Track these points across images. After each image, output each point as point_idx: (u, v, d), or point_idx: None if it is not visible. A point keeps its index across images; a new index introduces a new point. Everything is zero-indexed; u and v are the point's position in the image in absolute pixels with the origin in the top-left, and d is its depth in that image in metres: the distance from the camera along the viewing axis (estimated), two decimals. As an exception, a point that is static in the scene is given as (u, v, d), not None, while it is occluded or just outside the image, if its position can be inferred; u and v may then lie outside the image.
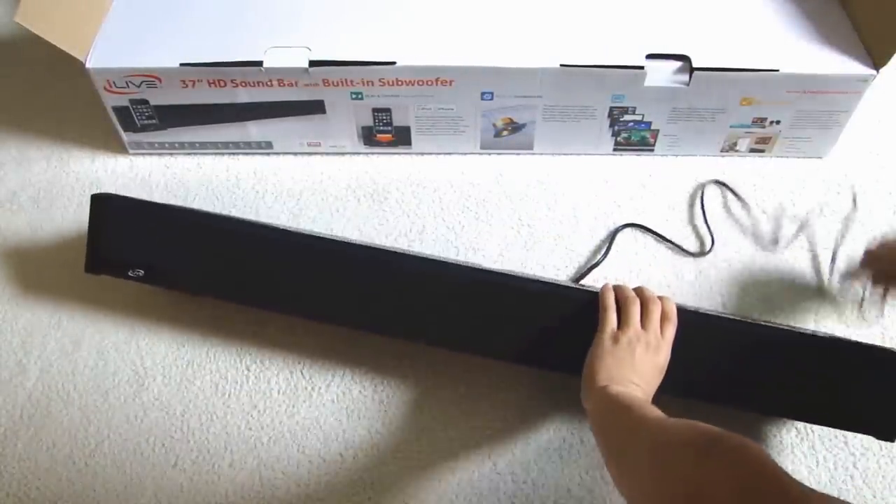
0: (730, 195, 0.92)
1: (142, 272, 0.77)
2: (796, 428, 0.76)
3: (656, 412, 0.58)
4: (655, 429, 0.55)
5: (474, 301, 0.74)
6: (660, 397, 0.65)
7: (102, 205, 0.79)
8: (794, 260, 0.86)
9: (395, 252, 0.79)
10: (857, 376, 0.70)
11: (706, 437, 0.50)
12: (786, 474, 0.45)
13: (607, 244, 0.88)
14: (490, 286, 0.74)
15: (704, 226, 0.89)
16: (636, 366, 0.66)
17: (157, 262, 0.77)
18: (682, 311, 0.71)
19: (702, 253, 0.87)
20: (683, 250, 0.88)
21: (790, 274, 0.85)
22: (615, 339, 0.67)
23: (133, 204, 0.80)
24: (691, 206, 0.91)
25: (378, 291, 0.75)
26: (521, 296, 0.73)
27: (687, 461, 0.49)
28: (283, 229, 0.80)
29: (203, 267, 0.77)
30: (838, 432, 0.76)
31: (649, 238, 0.89)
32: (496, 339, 0.73)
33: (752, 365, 0.71)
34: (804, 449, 0.75)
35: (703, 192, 0.92)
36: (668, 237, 0.88)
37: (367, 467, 0.76)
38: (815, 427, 0.76)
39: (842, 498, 0.72)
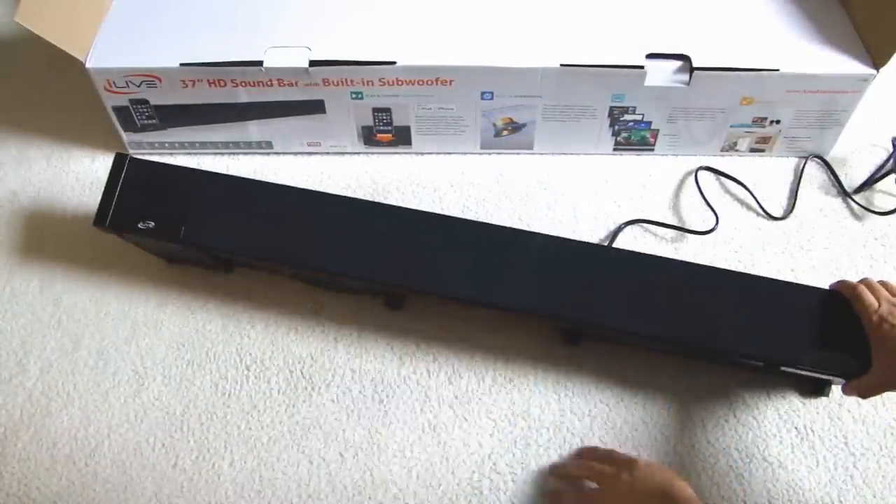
0: (723, 178, 0.93)
1: (152, 224, 0.77)
2: (796, 428, 0.77)
3: None
4: None
5: (484, 252, 0.75)
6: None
7: (121, 163, 0.80)
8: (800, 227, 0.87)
9: (406, 208, 0.80)
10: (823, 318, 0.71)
11: None
12: None
13: (609, 242, 0.88)
14: (498, 238, 0.76)
15: (706, 210, 0.90)
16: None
17: (169, 215, 0.77)
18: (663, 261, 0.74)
19: (707, 231, 0.88)
20: (688, 230, 0.88)
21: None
22: None
23: (151, 165, 0.80)
24: (689, 194, 0.91)
25: (390, 244, 0.76)
26: (526, 247, 0.75)
27: None
28: (297, 189, 0.80)
29: (216, 221, 0.78)
30: (838, 432, 0.76)
31: (650, 235, 0.89)
32: (512, 289, 0.74)
33: (724, 311, 0.72)
34: (804, 449, 0.75)
35: (696, 177, 0.92)
36: (671, 224, 0.89)
37: (367, 467, 0.76)
38: (816, 427, 0.76)
39: (841, 498, 0.73)
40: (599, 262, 0.75)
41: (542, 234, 0.75)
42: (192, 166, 0.96)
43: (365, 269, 0.75)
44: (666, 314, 0.72)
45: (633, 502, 0.66)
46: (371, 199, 0.92)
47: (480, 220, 0.90)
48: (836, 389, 0.78)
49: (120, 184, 0.78)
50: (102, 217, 0.78)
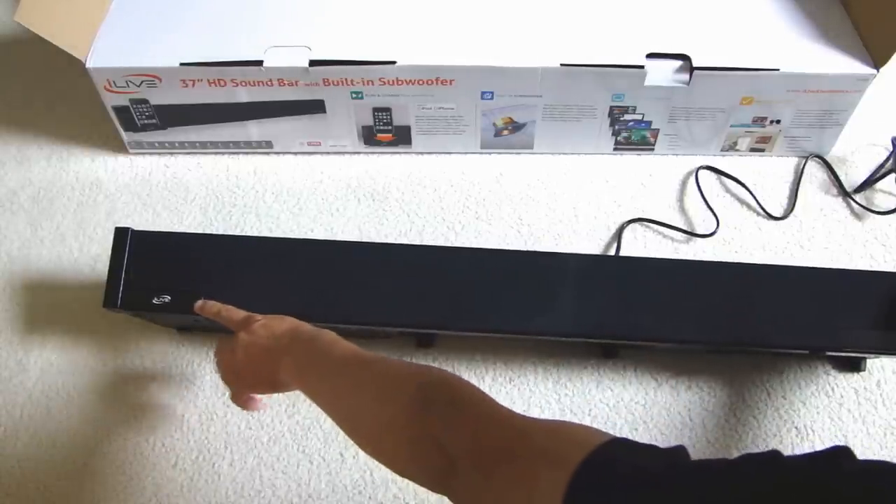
0: (723, 178, 0.93)
1: (168, 298, 0.72)
2: (796, 428, 0.77)
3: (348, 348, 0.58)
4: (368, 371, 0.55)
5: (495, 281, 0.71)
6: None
7: (123, 238, 0.74)
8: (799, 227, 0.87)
9: (423, 246, 0.79)
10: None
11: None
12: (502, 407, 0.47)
13: (616, 242, 0.88)
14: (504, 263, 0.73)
15: (706, 210, 0.90)
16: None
17: (184, 286, 0.72)
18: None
19: (709, 234, 0.88)
20: (690, 233, 0.88)
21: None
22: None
23: (154, 235, 0.75)
24: (689, 194, 0.91)
25: (414, 285, 0.72)
26: (553, 269, 0.72)
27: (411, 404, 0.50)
28: (307, 240, 0.79)
29: (234, 286, 0.72)
30: (838, 432, 0.76)
31: (651, 236, 0.89)
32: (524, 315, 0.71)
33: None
34: (804, 449, 0.75)
35: (696, 176, 0.92)
36: (673, 224, 0.89)
37: (367, 467, 0.76)
38: (816, 427, 0.76)
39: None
40: (636, 273, 0.72)
41: (568, 255, 0.74)
42: (192, 167, 0.96)
43: (395, 316, 0.71)
44: (726, 320, 0.70)
45: (266, 353, 0.62)
46: (371, 203, 0.93)
47: (480, 220, 0.91)
48: (869, 365, 0.79)
49: (125, 259, 0.72)
50: (112, 298, 0.72)
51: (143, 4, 0.92)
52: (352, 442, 0.77)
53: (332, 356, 0.58)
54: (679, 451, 0.39)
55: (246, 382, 0.65)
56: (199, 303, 0.69)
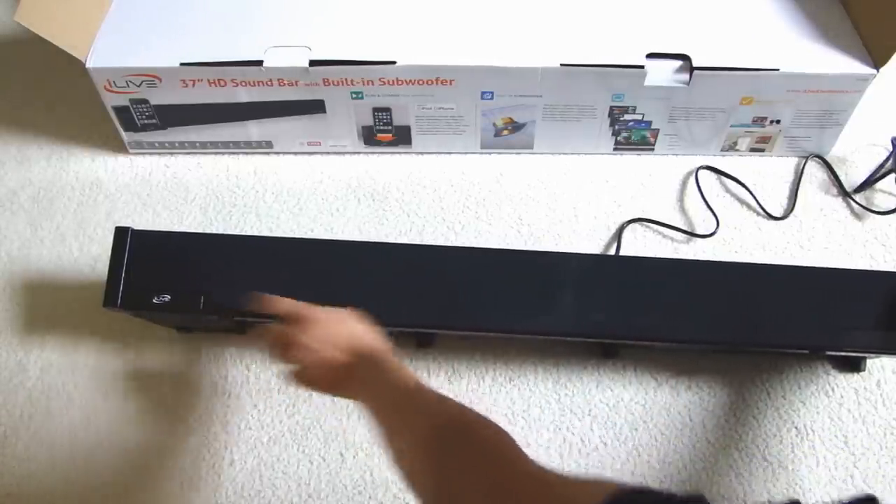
0: (723, 178, 0.93)
1: (168, 297, 0.71)
2: (796, 428, 0.77)
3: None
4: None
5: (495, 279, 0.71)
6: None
7: (123, 237, 0.73)
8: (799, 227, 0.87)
9: (421, 245, 0.79)
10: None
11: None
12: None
13: (616, 242, 0.88)
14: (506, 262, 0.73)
15: (706, 210, 0.90)
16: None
17: (185, 285, 0.72)
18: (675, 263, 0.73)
19: (709, 234, 0.88)
20: (690, 233, 0.88)
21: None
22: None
23: (154, 235, 0.74)
24: (689, 194, 0.91)
25: (414, 285, 0.72)
26: (555, 269, 0.72)
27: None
28: (306, 240, 0.79)
29: (235, 285, 0.71)
30: (838, 432, 0.76)
31: (651, 236, 0.89)
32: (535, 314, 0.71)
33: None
34: (804, 449, 0.76)
35: (696, 176, 0.92)
36: (673, 225, 0.89)
37: (367, 467, 0.76)
38: (816, 427, 0.76)
39: (841, 498, 0.73)
40: (636, 273, 0.72)
41: (569, 255, 0.74)
42: (192, 167, 0.96)
43: (395, 316, 0.70)
44: (726, 320, 0.70)
45: (345, 370, 0.61)
46: (371, 203, 0.93)
47: (480, 220, 0.91)
48: (869, 365, 0.80)
49: (126, 259, 0.72)
50: (112, 298, 0.71)
51: (143, 4, 0.92)
52: (352, 442, 0.77)
53: (401, 389, 0.57)
54: (699, 500, 0.40)
55: (310, 377, 0.63)
56: (255, 297, 0.65)
